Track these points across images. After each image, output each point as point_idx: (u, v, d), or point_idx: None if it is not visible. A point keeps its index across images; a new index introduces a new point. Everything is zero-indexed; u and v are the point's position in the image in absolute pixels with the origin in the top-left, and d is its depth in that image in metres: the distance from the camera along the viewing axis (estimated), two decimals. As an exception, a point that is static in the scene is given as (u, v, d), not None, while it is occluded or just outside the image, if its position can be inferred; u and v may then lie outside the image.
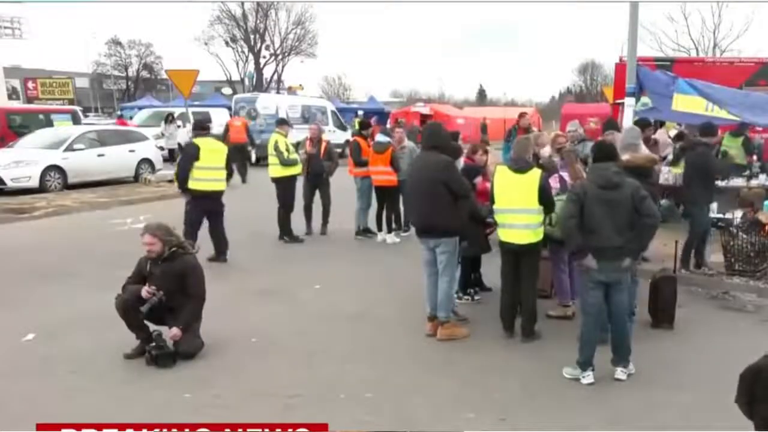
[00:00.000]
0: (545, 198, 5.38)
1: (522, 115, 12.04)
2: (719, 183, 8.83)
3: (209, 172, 7.91)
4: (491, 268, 6.69)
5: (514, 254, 5.51)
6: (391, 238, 9.62)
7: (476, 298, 6.61)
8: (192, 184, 7.86)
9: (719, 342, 5.59)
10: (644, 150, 6.22)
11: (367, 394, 4.48)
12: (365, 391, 4.53)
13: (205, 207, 7.95)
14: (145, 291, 4.93)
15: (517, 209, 5.36)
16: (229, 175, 8.36)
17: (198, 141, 8.04)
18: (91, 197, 13.43)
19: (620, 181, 4.66)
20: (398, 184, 9.31)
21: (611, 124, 7.76)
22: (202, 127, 8.42)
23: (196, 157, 7.80)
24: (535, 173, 5.38)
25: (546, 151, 6.39)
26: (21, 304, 6.48)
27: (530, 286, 5.57)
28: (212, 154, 7.93)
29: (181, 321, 5.01)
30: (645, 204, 4.60)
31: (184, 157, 8.08)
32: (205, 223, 8.09)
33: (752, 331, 5.87)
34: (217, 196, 8.07)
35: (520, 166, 5.39)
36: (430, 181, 5.34)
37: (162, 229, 5.07)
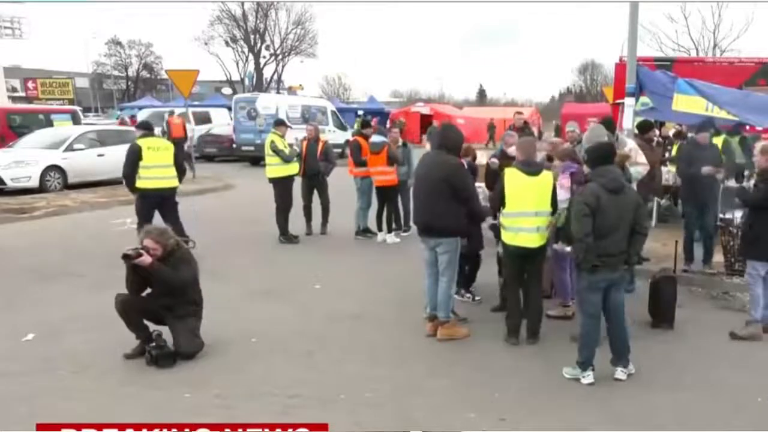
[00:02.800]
0: (555, 200, 5.39)
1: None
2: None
3: (155, 170, 8.14)
4: (486, 267, 6.70)
5: (520, 258, 5.46)
6: (391, 238, 9.62)
7: (476, 298, 6.61)
8: (139, 183, 8.12)
9: (719, 342, 5.58)
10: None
11: (367, 394, 4.47)
12: (365, 391, 4.52)
13: (155, 203, 8.20)
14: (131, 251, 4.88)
15: (529, 212, 5.27)
16: (182, 173, 8.61)
17: (140, 141, 8.25)
18: (90, 197, 13.41)
19: (624, 183, 4.66)
20: (398, 183, 9.36)
21: (606, 122, 7.73)
22: (145, 127, 8.75)
23: (139, 157, 8.04)
24: (548, 175, 5.36)
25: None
26: (21, 304, 6.48)
27: (536, 288, 5.56)
28: (156, 152, 8.17)
29: (161, 269, 4.92)
30: (643, 217, 4.65)
31: (126, 158, 8.25)
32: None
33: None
34: (166, 193, 8.28)
35: (532, 169, 5.33)
36: (434, 181, 5.31)
37: (163, 235, 5.11)
